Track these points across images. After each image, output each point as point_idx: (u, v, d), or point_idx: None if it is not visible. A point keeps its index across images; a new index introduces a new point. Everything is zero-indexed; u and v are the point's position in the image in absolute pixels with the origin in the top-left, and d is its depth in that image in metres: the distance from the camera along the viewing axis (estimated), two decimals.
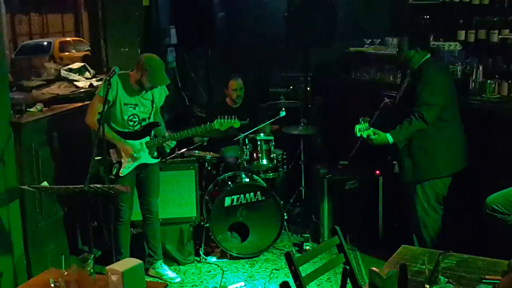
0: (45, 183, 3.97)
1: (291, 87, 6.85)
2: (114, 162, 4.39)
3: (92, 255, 2.95)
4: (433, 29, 5.66)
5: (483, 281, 2.72)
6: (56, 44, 16.43)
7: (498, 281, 2.60)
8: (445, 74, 4.59)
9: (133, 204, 4.63)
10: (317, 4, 6.13)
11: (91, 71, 5.63)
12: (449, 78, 4.57)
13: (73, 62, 5.88)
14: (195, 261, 5.13)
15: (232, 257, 5.16)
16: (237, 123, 4.65)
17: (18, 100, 4.65)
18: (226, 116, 4.61)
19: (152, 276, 4.78)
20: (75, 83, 5.39)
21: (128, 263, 2.92)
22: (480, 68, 4.95)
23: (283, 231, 5.23)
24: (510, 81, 4.76)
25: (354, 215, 5.32)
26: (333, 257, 3.07)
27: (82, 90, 5.21)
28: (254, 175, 5.36)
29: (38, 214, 4.44)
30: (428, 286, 2.59)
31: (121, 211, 4.51)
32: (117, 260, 3.72)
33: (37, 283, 3.14)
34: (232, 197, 5.13)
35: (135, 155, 4.39)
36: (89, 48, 9.78)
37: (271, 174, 5.57)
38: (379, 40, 6.08)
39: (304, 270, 2.74)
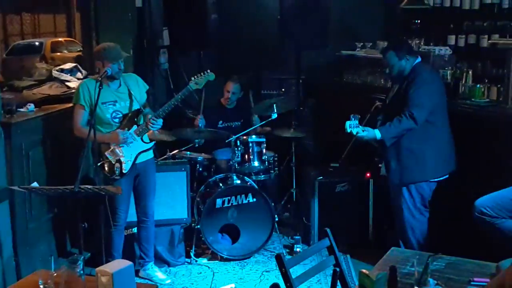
0: (35, 184, 3.96)
1: (283, 89, 6.86)
2: (113, 162, 4.38)
3: (82, 257, 2.94)
4: (424, 34, 5.70)
5: (472, 283, 2.74)
6: (48, 45, 16.36)
7: (486, 283, 2.62)
8: (436, 78, 4.63)
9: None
10: (309, 7, 6.15)
11: (83, 71, 5.61)
12: (439, 82, 4.61)
13: (65, 63, 5.86)
14: (186, 263, 5.13)
15: (223, 259, 5.16)
16: (212, 76, 4.59)
17: (8, 100, 4.63)
18: (200, 74, 4.57)
19: (143, 278, 4.78)
20: (67, 83, 5.38)
21: (118, 264, 2.92)
22: (470, 72, 4.99)
23: (274, 233, 5.24)
24: (499, 86, 4.79)
25: (344, 217, 5.33)
26: (323, 259, 3.08)
27: (73, 90, 5.19)
28: (245, 177, 5.37)
29: (28, 215, 4.43)
30: None
31: (116, 215, 4.48)
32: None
33: (26, 284, 3.13)
34: (223, 198, 5.14)
35: (123, 136, 4.34)
36: (81, 49, 9.75)
37: (262, 176, 5.58)
38: (371, 43, 6.11)
39: (295, 272, 2.75)
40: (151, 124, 4.39)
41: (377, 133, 4.38)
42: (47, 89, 5.26)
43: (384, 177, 4.69)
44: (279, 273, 2.68)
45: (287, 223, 5.91)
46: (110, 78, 4.37)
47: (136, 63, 5.86)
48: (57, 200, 4.65)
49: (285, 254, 5.15)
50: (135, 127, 4.45)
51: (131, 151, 4.42)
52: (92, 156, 4.21)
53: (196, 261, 5.15)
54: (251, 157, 5.38)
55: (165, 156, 5.38)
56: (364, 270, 2.62)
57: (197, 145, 5.56)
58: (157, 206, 4.83)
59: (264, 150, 5.44)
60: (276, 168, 5.70)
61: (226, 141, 5.38)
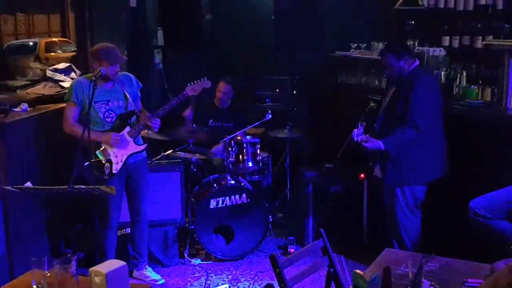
0: (29, 184, 3.94)
1: (277, 90, 6.87)
2: (103, 162, 4.36)
3: (75, 257, 2.93)
4: (418, 35, 5.71)
5: (466, 284, 2.74)
6: (42, 45, 16.32)
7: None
8: (436, 81, 4.65)
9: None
10: (303, 8, 6.16)
11: (77, 71, 5.61)
12: (438, 85, 4.62)
13: (59, 63, 5.86)
14: (180, 263, 5.11)
15: (217, 260, 5.16)
16: (208, 84, 4.60)
17: (2, 100, 4.61)
18: (197, 81, 4.57)
19: (136, 278, 4.76)
20: (61, 83, 5.37)
21: (112, 264, 2.90)
22: (464, 73, 5.00)
23: (268, 233, 5.24)
24: (493, 87, 4.80)
25: (338, 218, 5.33)
26: (317, 259, 3.08)
27: (67, 90, 5.18)
28: (239, 178, 5.36)
29: (21, 215, 4.41)
30: None
31: (109, 215, 4.47)
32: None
33: (20, 284, 3.12)
34: (218, 199, 5.13)
35: (116, 137, 4.32)
36: (76, 49, 9.73)
37: (256, 176, 5.59)
38: (365, 44, 6.12)
39: (289, 272, 2.75)
40: (151, 124, 4.39)
41: (381, 145, 4.41)
42: (41, 89, 5.25)
43: (377, 177, 4.69)
44: (273, 274, 2.67)
45: (281, 224, 5.91)
46: (104, 78, 4.36)
47: (130, 63, 5.85)
48: (51, 200, 4.63)
49: (279, 255, 5.12)
50: (128, 128, 4.43)
51: (123, 151, 4.40)
52: (83, 154, 4.18)
53: (190, 261, 5.14)
54: (245, 157, 5.38)
55: (159, 156, 5.37)
56: (358, 271, 2.61)
57: (191, 145, 5.55)
58: (151, 206, 4.82)
59: (258, 151, 5.44)
60: (271, 169, 5.70)
61: (221, 141, 5.38)
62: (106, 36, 5.70)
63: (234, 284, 4.76)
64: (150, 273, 4.80)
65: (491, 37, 5.13)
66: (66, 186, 3.54)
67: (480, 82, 4.94)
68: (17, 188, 3.95)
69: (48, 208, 4.72)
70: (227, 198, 5.16)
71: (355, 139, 4.38)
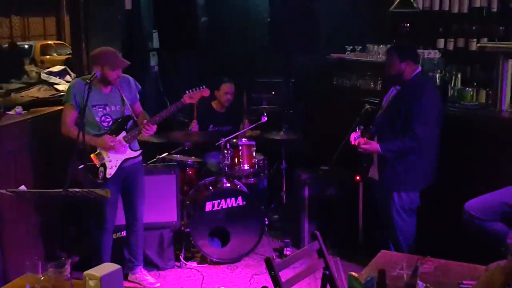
0: (23, 187, 3.92)
1: (273, 92, 6.87)
2: (98, 166, 4.35)
3: (69, 260, 2.92)
4: (413, 37, 5.72)
5: (461, 286, 2.75)
6: (37, 47, 16.33)
7: None
8: (437, 90, 4.64)
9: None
10: (299, 10, 6.16)
11: (72, 74, 5.60)
12: (439, 94, 4.61)
13: (54, 66, 5.85)
14: (175, 266, 5.10)
15: (212, 262, 5.15)
16: (206, 92, 4.56)
17: None
18: (195, 89, 4.53)
19: (132, 282, 4.75)
20: (56, 86, 5.38)
21: (107, 268, 2.89)
22: (459, 75, 5.02)
23: (263, 236, 5.23)
24: (488, 89, 4.82)
25: (334, 221, 5.33)
26: (313, 262, 3.07)
27: (62, 93, 5.19)
28: (235, 180, 5.36)
29: (15, 218, 4.40)
30: None
31: (104, 218, 4.45)
32: None
33: None
34: (213, 202, 5.12)
35: (111, 143, 4.31)
36: (71, 52, 9.72)
37: (252, 179, 5.58)
38: (360, 47, 6.12)
39: (285, 275, 2.74)
40: (145, 130, 4.37)
41: (379, 149, 4.43)
42: (35, 92, 5.25)
43: (372, 179, 4.69)
44: (269, 277, 2.67)
45: (277, 226, 5.90)
46: (104, 82, 4.34)
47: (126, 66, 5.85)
48: (45, 204, 4.62)
49: (274, 258, 5.14)
50: (124, 133, 4.42)
51: (117, 156, 4.39)
52: (79, 157, 4.17)
53: (186, 264, 5.13)
54: (241, 160, 5.38)
55: (154, 159, 5.36)
56: (353, 273, 2.62)
57: (186, 148, 5.55)
58: (146, 209, 4.80)
59: (254, 153, 5.44)
60: (266, 171, 5.69)
61: (216, 144, 5.37)
62: (101, 38, 5.70)
63: (230, 287, 4.75)
64: (146, 277, 4.79)
65: (485, 39, 5.15)
66: (60, 189, 3.52)
67: (475, 84, 4.95)
68: (11, 191, 3.94)
69: (42, 212, 4.70)
70: (223, 200, 5.15)
71: (353, 143, 4.39)
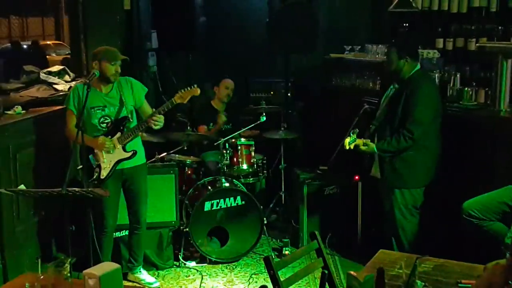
0: (22, 186, 3.93)
1: (272, 93, 6.87)
2: (94, 167, 4.35)
3: (69, 259, 2.93)
4: (413, 37, 5.72)
5: (459, 285, 2.75)
6: None
7: None
8: (436, 88, 4.65)
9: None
10: (298, 10, 6.16)
11: (71, 74, 5.60)
12: (438, 92, 4.63)
13: (53, 66, 5.84)
14: (174, 266, 5.10)
15: (211, 262, 5.15)
16: (197, 91, 4.48)
17: None
18: (186, 88, 4.46)
19: (131, 281, 4.75)
20: (55, 86, 5.36)
21: (106, 267, 2.90)
22: (458, 75, 5.01)
23: (262, 235, 5.23)
24: (487, 89, 4.82)
25: (333, 220, 5.34)
26: (312, 261, 3.08)
27: (61, 93, 5.18)
28: (234, 180, 5.36)
29: (15, 218, 4.40)
30: None
31: (105, 220, 4.44)
32: None
33: (13, 287, 3.11)
34: (212, 201, 5.12)
35: (101, 141, 4.30)
36: (70, 52, 9.72)
37: (251, 179, 5.58)
38: (359, 47, 6.13)
39: (283, 274, 2.75)
40: (153, 122, 4.34)
41: (375, 149, 4.45)
42: (34, 92, 5.24)
43: (374, 177, 4.70)
44: (268, 276, 2.67)
45: (276, 225, 5.91)
46: (104, 80, 4.34)
47: (125, 66, 5.85)
48: (44, 203, 4.62)
49: (273, 257, 5.13)
50: (119, 134, 4.41)
51: (111, 157, 4.38)
52: (80, 159, 4.18)
53: (185, 264, 5.13)
54: (240, 159, 5.38)
55: (153, 159, 5.36)
56: (352, 272, 2.62)
57: (185, 148, 5.55)
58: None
59: (253, 153, 5.44)
60: (265, 171, 5.70)
61: (215, 143, 5.38)
62: (100, 38, 5.70)
63: (229, 286, 4.76)
64: (145, 276, 4.79)
65: (485, 39, 5.15)
66: (59, 189, 3.52)
67: (474, 84, 4.95)
68: (11, 190, 3.94)
69: (42, 211, 4.70)
70: (222, 200, 5.15)
71: (348, 148, 4.40)
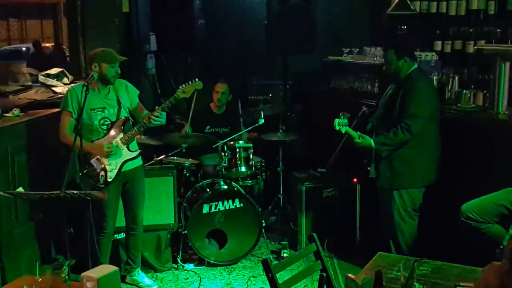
0: (20, 189, 3.92)
1: (270, 95, 6.88)
2: (98, 170, 4.33)
3: (67, 262, 2.93)
4: (410, 39, 5.74)
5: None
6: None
7: None
8: (432, 86, 4.66)
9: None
10: (296, 12, 6.17)
11: (70, 76, 5.59)
12: (435, 90, 4.64)
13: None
14: (173, 268, 5.10)
15: (209, 264, 5.14)
16: (199, 85, 4.48)
17: None
18: (188, 83, 4.45)
19: (129, 284, 4.75)
20: (53, 88, 5.36)
21: (104, 269, 2.90)
22: (456, 78, 5.03)
23: (261, 238, 5.23)
24: (485, 91, 4.83)
25: (331, 223, 5.34)
26: (310, 264, 3.08)
27: (59, 95, 5.17)
28: (232, 182, 5.35)
29: (13, 220, 4.39)
30: None
31: (104, 223, 4.43)
32: None
33: None
34: (210, 204, 5.12)
35: (107, 148, 4.28)
36: (68, 54, 9.72)
37: (249, 181, 5.57)
38: (358, 49, 6.14)
39: (282, 277, 2.75)
40: (154, 117, 4.30)
41: (372, 143, 4.42)
42: (33, 94, 5.24)
43: (373, 179, 4.70)
44: (266, 279, 2.67)
45: (274, 228, 5.90)
46: (103, 82, 4.34)
47: (123, 68, 5.85)
48: (42, 206, 4.61)
49: (272, 259, 5.13)
50: (121, 135, 4.41)
51: (117, 159, 4.38)
52: (78, 163, 4.17)
53: (183, 266, 5.13)
54: (238, 162, 5.37)
55: (152, 162, 5.36)
56: (350, 275, 2.62)
57: (184, 150, 5.55)
58: (144, 211, 4.80)
59: (251, 156, 5.44)
60: (264, 174, 5.69)
61: (214, 146, 5.38)
62: (99, 41, 5.70)
63: None
64: (143, 279, 4.78)
65: (483, 41, 5.17)
66: (58, 192, 3.52)
67: (472, 86, 4.96)
68: (9, 193, 3.94)
69: (40, 213, 4.69)
70: (220, 203, 5.15)
71: (337, 128, 4.38)
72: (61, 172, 3.74)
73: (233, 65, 6.79)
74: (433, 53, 5.31)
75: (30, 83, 5.57)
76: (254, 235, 5.19)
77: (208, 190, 5.22)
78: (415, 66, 4.55)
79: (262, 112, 5.56)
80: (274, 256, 5.33)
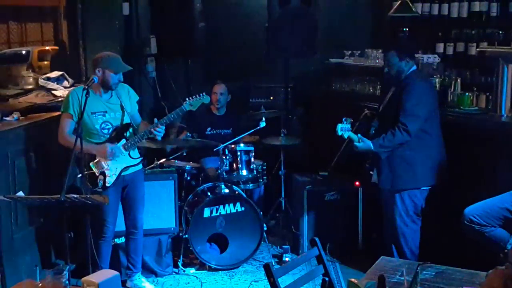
0: (20, 193, 3.90)
1: (272, 98, 6.86)
2: (97, 174, 4.31)
3: (68, 267, 2.91)
4: (412, 42, 5.72)
5: None
6: (35, 53, 16.28)
7: None
8: (430, 86, 4.65)
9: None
10: (297, 15, 6.16)
11: (70, 80, 5.58)
12: (433, 90, 4.63)
13: (52, 71, 5.83)
14: (174, 273, 5.08)
15: (211, 269, 5.12)
16: (207, 99, 4.49)
17: None
18: (196, 96, 4.46)
19: None
20: (53, 92, 5.36)
21: (105, 274, 2.89)
22: (458, 80, 5.01)
23: (262, 242, 5.21)
24: (488, 94, 4.81)
25: (333, 227, 5.31)
26: (312, 268, 3.06)
27: (60, 99, 5.16)
28: (233, 186, 5.34)
29: (13, 225, 4.38)
30: None
31: (104, 227, 4.41)
32: None
33: None
34: (212, 208, 5.10)
35: (111, 150, 4.27)
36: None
37: (251, 185, 5.55)
38: (359, 52, 6.13)
39: (284, 281, 2.72)
40: (155, 132, 4.31)
41: (371, 145, 4.40)
42: (33, 98, 5.23)
43: (376, 184, 4.67)
44: (268, 283, 2.65)
45: (276, 232, 5.88)
46: (104, 87, 4.32)
47: (124, 72, 5.85)
48: (43, 210, 4.59)
49: (273, 264, 5.12)
50: (123, 141, 4.39)
51: (117, 165, 4.36)
52: (77, 165, 4.15)
53: (184, 271, 5.10)
54: (240, 166, 5.35)
55: (152, 165, 5.35)
56: (353, 279, 2.60)
57: (185, 154, 5.53)
58: (144, 215, 4.77)
59: (252, 159, 5.42)
60: (265, 177, 5.67)
61: (214, 149, 5.36)
62: (99, 44, 5.69)
63: None
64: (144, 283, 4.76)
65: (485, 43, 5.15)
66: (58, 196, 3.50)
67: (475, 89, 4.95)
68: (9, 197, 3.92)
69: (40, 218, 4.67)
70: (221, 206, 5.13)
71: (340, 133, 4.36)
72: (62, 176, 3.72)
73: (234, 68, 6.78)
74: (435, 56, 5.30)
75: (30, 87, 5.56)
76: (255, 239, 5.16)
77: (209, 193, 5.20)
78: (414, 67, 4.53)
79: (263, 116, 5.55)
80: (276, 260, 5.31)
